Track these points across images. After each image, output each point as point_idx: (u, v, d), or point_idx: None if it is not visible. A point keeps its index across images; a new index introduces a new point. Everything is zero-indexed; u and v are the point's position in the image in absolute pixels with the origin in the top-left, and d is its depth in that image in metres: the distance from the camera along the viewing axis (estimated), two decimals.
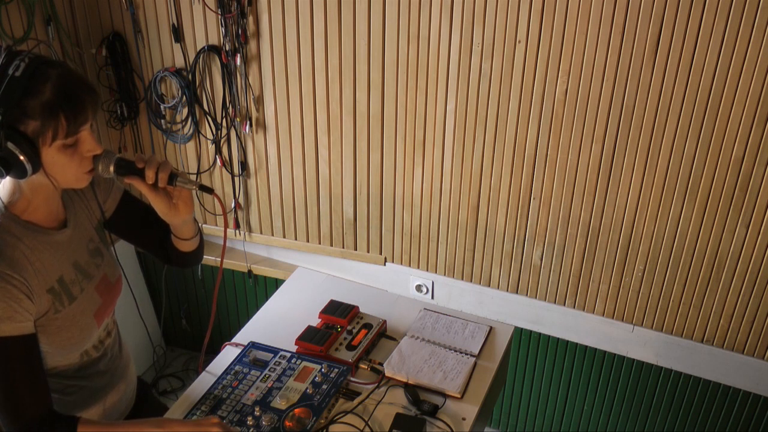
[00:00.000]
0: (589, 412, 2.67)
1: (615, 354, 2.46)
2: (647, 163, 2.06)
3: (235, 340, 1.84)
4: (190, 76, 2.47)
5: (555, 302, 2.41)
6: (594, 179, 2.15)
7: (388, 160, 2.38)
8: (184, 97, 2.51)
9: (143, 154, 1.34)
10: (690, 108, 1.95)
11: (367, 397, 1.63)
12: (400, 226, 2.50)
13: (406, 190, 2.42)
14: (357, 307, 1.88)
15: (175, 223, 1.48)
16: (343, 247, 2.63)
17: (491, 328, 1.89)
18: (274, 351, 1.74)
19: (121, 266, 1.56)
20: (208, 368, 1.75)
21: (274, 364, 1.70)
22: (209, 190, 1.40)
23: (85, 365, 1.45)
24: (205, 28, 2.39)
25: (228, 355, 1.78)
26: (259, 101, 2.46)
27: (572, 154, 2.13)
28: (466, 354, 1.78)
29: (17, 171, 1.20)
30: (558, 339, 2.53)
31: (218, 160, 2.62)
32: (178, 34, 2.43)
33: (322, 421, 1.55)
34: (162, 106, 2.57)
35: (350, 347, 1.75)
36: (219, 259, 2.81)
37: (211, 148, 2.61)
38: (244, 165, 2.61)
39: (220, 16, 2.33)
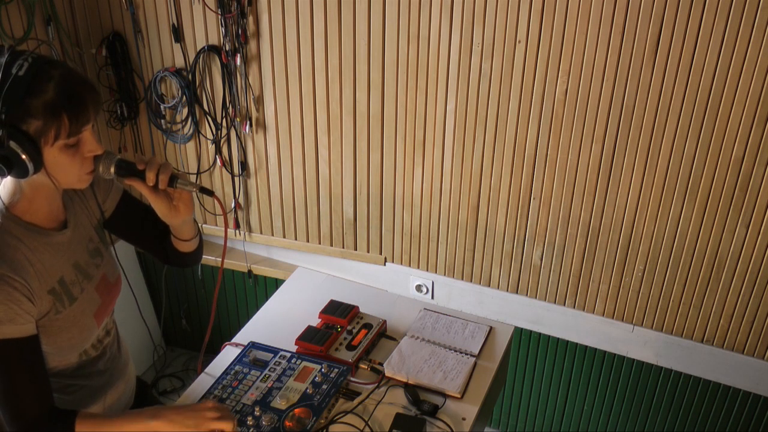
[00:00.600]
0: (589, 412, 2.67)
1: (615, 354, 2.46)
2: (647, 163, 2.06)
3: (235, 340, 1.84)
4: (190, 76, 2.47)
5: (555, 302, 2.41)
6: (594, 179, 2.15)
7: (388, 160, 2.39)
8: (184, 97, 2.51)
9: (144, 156, 1.34)
10: (690, 108, 1.95)
11: (367, 397, 1.63)
12: (400, 226, 2.50)
13: (406, 190, 2.42)
14: (357, 307, 1.88)
15: (175, 224, 1.48)
16: (343, 247, 2.63)
17: (491, 328, 1.89)
18: (274, 351, 1.74)
19: (121, 266, 1.56)
20: (208, 368, 1.75)
21: (274, 364, 1.70)
22: (210, 192, 1.40)
23: (83, 364, 1.45)
24: (205, 28, 2.39)
25: (228, 355, 1.78)
26: (259, 101, 2.46)
27: (572, 154, 2.13)
28: (466, 354, 1.78)
29: (19, 170, 1.20)
30: (558, 339, 2.53)
31: (218, 160, 2.62)
32: (178, 34, 2.43)
33: (322, 421, 1.55)
34: (162, 106, 2.57)
35: (350, 347, 1.75)
36: (219, 259, 2.82)
37: (211, 148, 2.61)
38: (244, 165, 2.61)
39: (220, 16, 2.33)
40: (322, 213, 2.59)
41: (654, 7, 1.87)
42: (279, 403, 1.57)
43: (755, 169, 1.95)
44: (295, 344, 1.76)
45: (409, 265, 2.57)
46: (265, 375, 1.66)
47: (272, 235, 2.73)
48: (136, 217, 1.57)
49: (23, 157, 1.17)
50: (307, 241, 2.67)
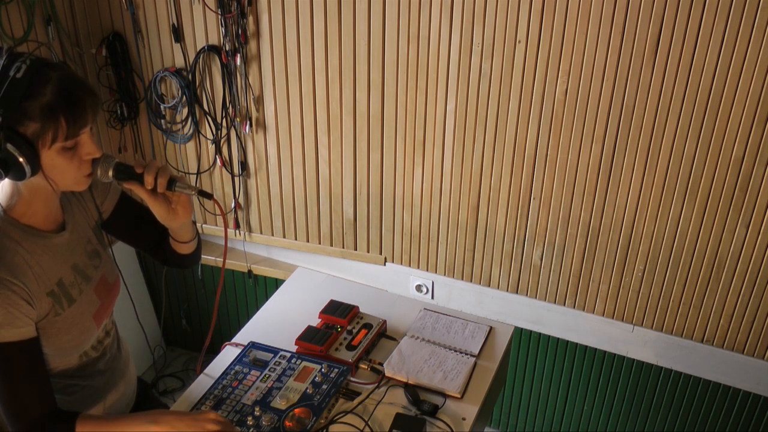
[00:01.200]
0: (589, 412, 2.67)
1: (615, 354, 2.46)
2: (647, 163, 2.06)
3: (235, 340, 1.84)
4: (190, 76, 2.47)
5: (555, 302, 2.41)
6: (594, 179, 2.15)
7: (388, 160, 2.38)
8: (184, 97, 2.51)
9: (142, 159, 1.34)
10: (690, 108, 1.95)
11: (367, 397, 1.63)
12: (400, 226, 2.50)
13: (406, 190, 2.42)
14: (357, 307, 1.88)
15: (174, 226, 1.48)
16: (343, 247, 2.63)
17: (491, 328, 1.89)
18: (274, 351, 1.74)
19: (118, 267, 1.56)
20: (208, 368, 1.75)
21: (274, 364, 1.70)
22: (209, 196, 1.40)
23: (84, 365, 1.45)
24: (205, 28, 2.39)
25: (228, 355, 1.78)
26: (259, 101, 2.46)
27: (572, 154, 2.13)
28: (466, 354, 1.78)
29: (16, 173, 1.20)
30: (558, 339, 2.53)
31: (218, 160, 2.62)
32: (178, 34, 2.43)
33: (322, 421, 1.55)
34: (162, 106, 2.57)
35: (350, 347, 1.75)
36: (219, 259, 2.82)
37: (211, 148, 2.61)
38: (244, 165, 2.61)
39: (220, 16, 2.33)
40: (322, 213, 2.59)
41: (654, 7, 1.87)
42: (279, 403, 1.57)
43: (755, 169, 1.95)
44: (295, 344, 1.76)
45: (409, 265, 2.57)
46: (265, 375, 1.66)
47: (272, 235, 2.73)
48: (134, 218, 1.57)
49: (20, 159, 1.17)
50: (307, 241, 2.67)
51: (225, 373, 1.68)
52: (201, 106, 2.53)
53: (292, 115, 2.44)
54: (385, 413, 1.60)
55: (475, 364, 1.75)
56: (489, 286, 2.48)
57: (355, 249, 2.62)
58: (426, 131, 2.29)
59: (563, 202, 2.22)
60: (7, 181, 1.28)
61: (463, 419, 1.60)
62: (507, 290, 2.46)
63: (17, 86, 1.15)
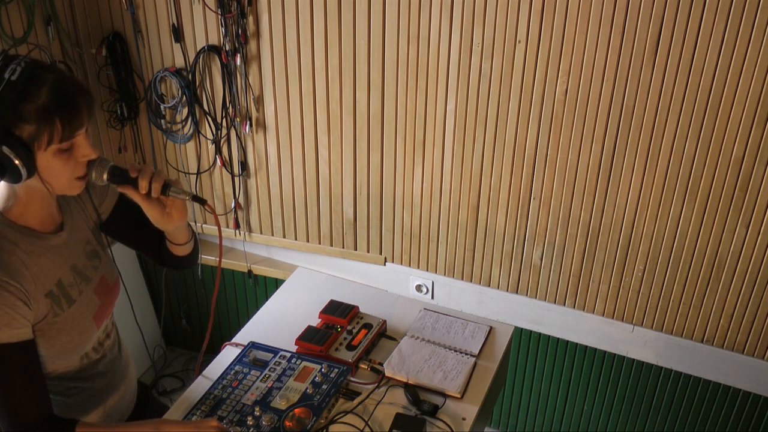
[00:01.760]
0: (589, 412, 2.67)
1: (615, 354, 2.46)
2: (647, 163, 2.06)
3: (235, 340, 1.84)
4: (190, 76, 2.47)
5: (555, 302, 2.41)
6: (594, 179, 2.15)
7: (388, 160, 2.38)
8: (184, 97, 2.51)
9: (137, 164, 1.34)
10: (690, 108, 1.95)
11: (367, 397, 1.63)
12: (400, 226, 2.50)
13: (406, 190, 2.42)
14: (357, 307, 1.88)
15: (169, 229, 1.48)
16: (343, 247, 2.63)
17: (491, 328, 1.89)
18: (274, 351, 1.74)
19: (117, 268, 1.56)
20: (207, 369, 1.75)
21: (274, 364, 1.70)
22: (202, 201, 1.39)
23: (85, 367, 1.45)
24: (205, 28, 2.39)
25: (228, 355, 1.78)
26: (259, 101, 2.46)
27: (572, 154, 2.13)
28: (466, 354, 1.78)
29: (12, 175, 1.19)
30: (558, 339, 2.52)
31: (218, 160, 2.62)
32: (178, 34, 2.43)
33: (322, 421, 1.55)
34: (162, 106, 2.57)
35: (350, 347, 1.75)
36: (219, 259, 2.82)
37: (211, 148, 2.61)
38: (244, 165, 2.61)
39: (220, 16, 2.33)
40: (322, 213, 2.59)
41: (654, 7, 1.87)
42: (279, 403, 1.57)
43: (755, 169, 1.95)
44: (295, 344, 1.76)
45: (409, 265, 2.57)
46: (265, 375, 1.66)
47: (272, 235, 2.73)
48: (132, 219, 1.56)
49: (16, 162, 1.17)
50: (307, 241, 2.67)
51: (225, 373, 1.67)
52: (201, 106, 2.53)
53: (292, 115, 2.44)
54: (385, 413, 1.60)
55: (475, 364, 1.75)
56: (489, 286, 2.48)
57: (355, 249, 2.62)
58: (426, 131, 2.29)
59: (563, 202, 2.22)
60: (2, 184, 1.28)
61: (463, 419, 1.60)
62: (507, 290, 2.46)
63: (12, 89, 1.15)
